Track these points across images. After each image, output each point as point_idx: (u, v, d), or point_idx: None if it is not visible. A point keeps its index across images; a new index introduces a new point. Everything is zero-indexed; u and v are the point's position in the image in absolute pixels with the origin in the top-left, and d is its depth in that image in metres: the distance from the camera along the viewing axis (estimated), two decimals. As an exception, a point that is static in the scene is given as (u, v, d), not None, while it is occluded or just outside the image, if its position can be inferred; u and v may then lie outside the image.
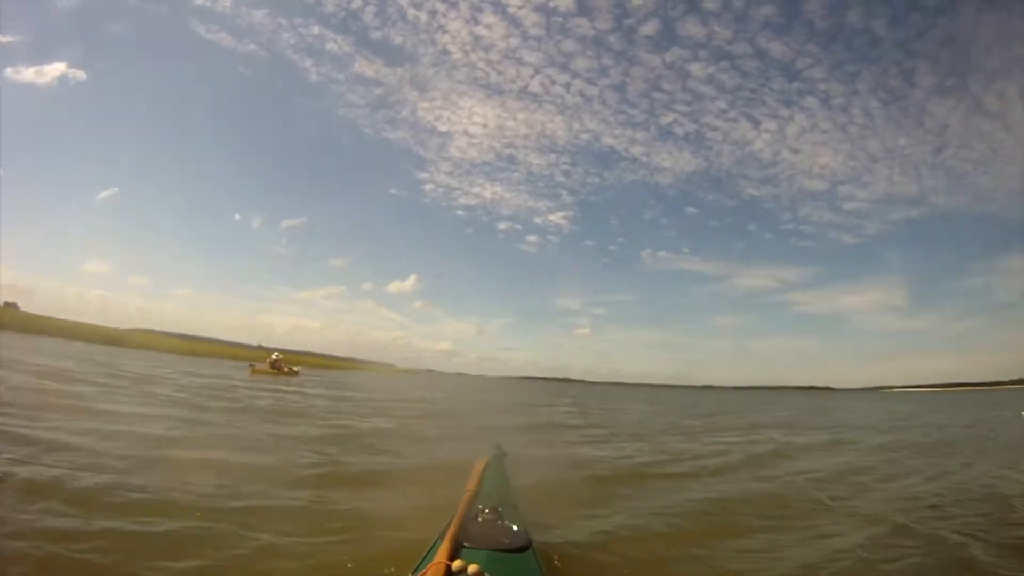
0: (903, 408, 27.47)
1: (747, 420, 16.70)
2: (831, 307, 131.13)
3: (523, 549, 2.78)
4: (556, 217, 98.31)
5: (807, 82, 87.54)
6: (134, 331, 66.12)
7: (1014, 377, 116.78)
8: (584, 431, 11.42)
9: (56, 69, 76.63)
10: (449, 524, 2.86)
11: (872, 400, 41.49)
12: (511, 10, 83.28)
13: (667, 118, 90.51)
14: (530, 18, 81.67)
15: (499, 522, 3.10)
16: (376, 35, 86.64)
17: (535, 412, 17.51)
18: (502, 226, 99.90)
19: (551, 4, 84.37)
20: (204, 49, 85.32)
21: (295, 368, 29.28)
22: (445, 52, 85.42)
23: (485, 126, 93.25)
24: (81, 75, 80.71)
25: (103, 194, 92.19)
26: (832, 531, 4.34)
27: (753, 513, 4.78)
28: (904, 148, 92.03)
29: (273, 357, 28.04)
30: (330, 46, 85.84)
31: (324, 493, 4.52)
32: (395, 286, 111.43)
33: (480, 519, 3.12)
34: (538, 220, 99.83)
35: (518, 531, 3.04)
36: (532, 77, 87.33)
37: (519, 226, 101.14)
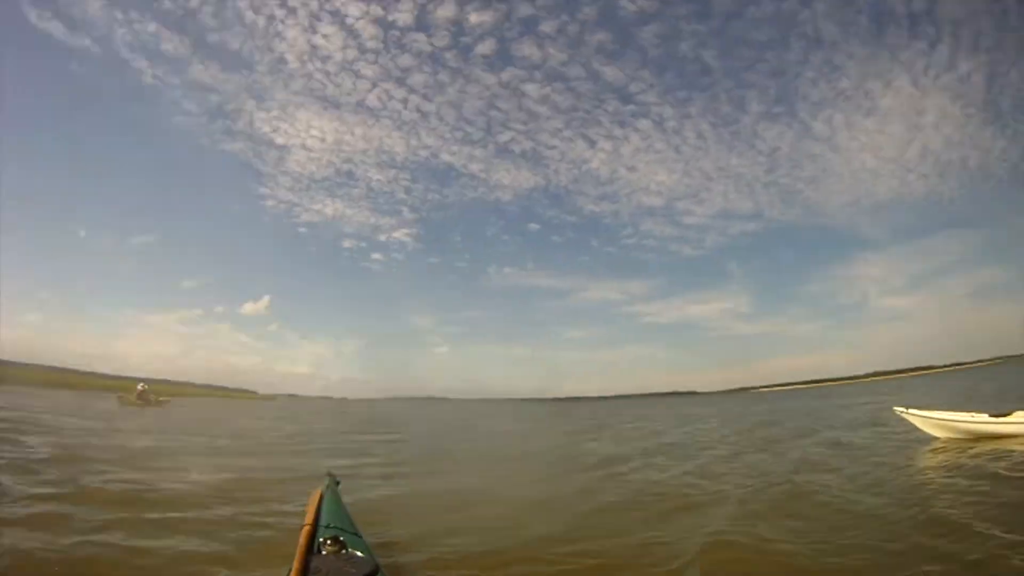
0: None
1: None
2: (680, 316, 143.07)
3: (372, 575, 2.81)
4: (400, 234, 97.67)
5: (641, 105, 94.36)
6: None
7: (868, 371, 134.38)
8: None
9: None
10: (291, 565, 2.77)
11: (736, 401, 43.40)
12: (349, 21, 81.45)
13: (504, 136, 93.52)
14: (368, 30, 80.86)
15: (343, 551, 3.05)
16: (213, 37, 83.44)
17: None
18: (346, 244, 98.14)
19: (389, 18, 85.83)
20: (37, 39, 75.74)
21: (162, 399, 30.37)
22: (282, 60, 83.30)
23: (323, 140, 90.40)
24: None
25: (-76, 209, 78.93)
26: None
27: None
28: (737, 167, 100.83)
29: (139, 388, 28.79)
30: (166, 46, 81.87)
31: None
32: (248, 308, 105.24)
33: (323, 552, 3.04)
34: (382, 237, 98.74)
35: (364, 558, 3.01)
36: (369, 91, 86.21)
37: (363, 244, 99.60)
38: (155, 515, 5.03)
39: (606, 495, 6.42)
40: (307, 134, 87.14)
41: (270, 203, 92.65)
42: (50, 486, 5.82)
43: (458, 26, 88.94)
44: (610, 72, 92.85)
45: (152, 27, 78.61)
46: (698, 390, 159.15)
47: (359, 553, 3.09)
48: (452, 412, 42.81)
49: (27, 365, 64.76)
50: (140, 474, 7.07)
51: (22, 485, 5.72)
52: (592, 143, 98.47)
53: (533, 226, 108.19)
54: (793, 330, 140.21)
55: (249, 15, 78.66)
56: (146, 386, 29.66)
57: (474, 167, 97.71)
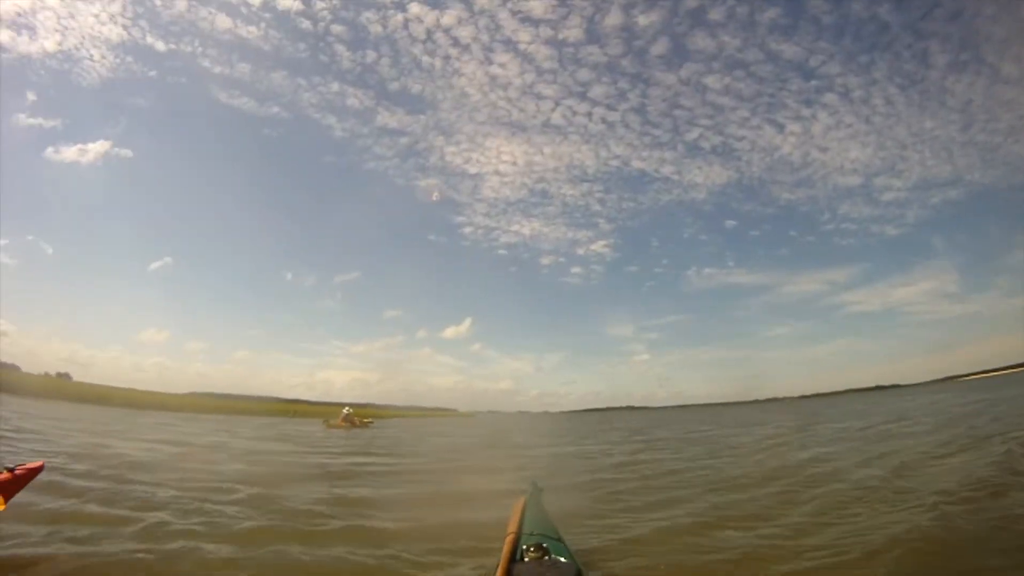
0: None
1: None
2: (884, 302, 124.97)
3: None
4: (597, 246, 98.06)
5: (824, 79, 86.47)
6: (190, 395, 69.04)
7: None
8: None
9: (101, 147, 78.95)
10: (495, 571, 2.81)
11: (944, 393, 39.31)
12: (522, 47, 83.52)
13: (692, 134, 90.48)
14: (542, 52, 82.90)
15: (545, 558, 3.07)
16: (394, 86, 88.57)
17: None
18: (545, 261, 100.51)
19: (560, 36, 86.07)
20: (228, 115, 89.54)
21: (367, 420, 30.44)
22: (464, 95, 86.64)
23: (514, 163, 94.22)
24: (127, 152, 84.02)
25: (155, 265, 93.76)
26: None
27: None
28: (932, 130, 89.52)
29: (345, 412, 29.30)
30: (351, 101, 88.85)
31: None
32: (450, 331, 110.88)
33: (526, 559, 3.08)
34: (580, 251, 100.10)
35: (566, 563, 3.04)
36: (553, 110, 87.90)
37: (562, 259, 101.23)
38: (338, 525, 5.65)
39: (800, 505, 6.26)
40: (498, 160, 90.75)
41: (468, 230, 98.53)
42: (245, 505, 6.42)
43: (628, 31, 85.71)
44: (787, 49, 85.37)
45: (335, 86, 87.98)
46: (901, 383, 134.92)
47: (562, 559, 3.11)
48: (647, 420, 40.82)
49: (240, 396, 74.92)
50: (334, 491, 7.63)
51: (222, 505, 6.30)
52: (781, 127, 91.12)
53: (730, 222, 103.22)
54: (1002, 306, 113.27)
55: (425, 59, 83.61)
56: (351, 410, 29.68)
57: (666, 170, 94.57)
